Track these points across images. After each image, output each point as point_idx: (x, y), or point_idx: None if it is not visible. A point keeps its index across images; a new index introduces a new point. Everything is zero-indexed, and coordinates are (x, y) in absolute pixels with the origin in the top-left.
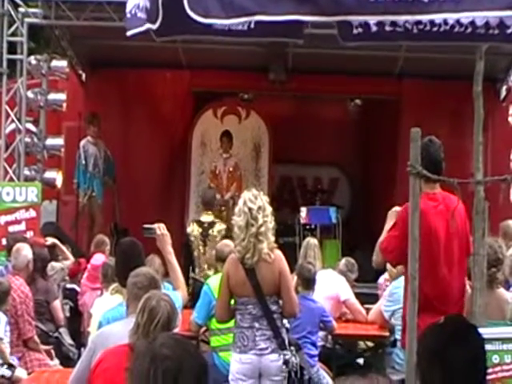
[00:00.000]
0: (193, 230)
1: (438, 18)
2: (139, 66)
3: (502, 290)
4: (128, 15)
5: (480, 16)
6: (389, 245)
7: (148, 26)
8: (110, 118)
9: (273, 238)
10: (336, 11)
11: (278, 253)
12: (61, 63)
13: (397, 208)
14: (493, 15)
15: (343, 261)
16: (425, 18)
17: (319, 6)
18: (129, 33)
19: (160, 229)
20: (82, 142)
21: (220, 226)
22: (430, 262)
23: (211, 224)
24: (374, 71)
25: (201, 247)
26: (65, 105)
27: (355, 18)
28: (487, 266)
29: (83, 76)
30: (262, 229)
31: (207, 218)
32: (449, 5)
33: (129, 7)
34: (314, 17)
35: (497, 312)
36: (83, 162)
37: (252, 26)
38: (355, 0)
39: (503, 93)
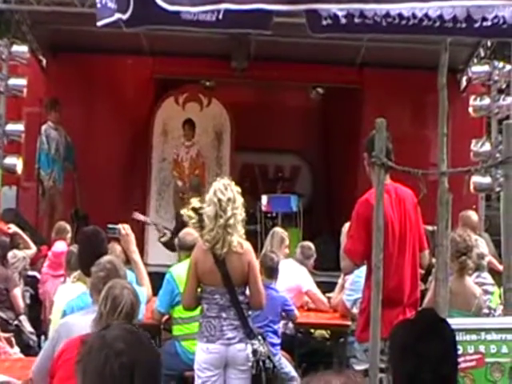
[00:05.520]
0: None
1: (404, 7)
2: (101, 51)
3: (471, 283)
4: (98, 5)
5: (448, 8)
6: (352, 246)
7: (118, 15)
8: (70, 104)
9: (242, 230)
10: (302, 0)
11: (248, 245)
12: (21, 48)
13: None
14: (460, 4)
15: (298, 249)
16: (391, 7)
17: None
18: (99, 23)
19: (124, 229)
20: (44, 127)
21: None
22: (385, 252)
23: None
24: (336, 60)
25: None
26: (25, 90)
27: (322, 7)
28: (458, 254)
29: (44, 61)
30: (231, 221)
31: (197, 203)
32: None
33: None
34: (281, 6)
35: (463, 303)
36: (45, 145)
37: (220, 16)
38: None
39: (463, 83)
